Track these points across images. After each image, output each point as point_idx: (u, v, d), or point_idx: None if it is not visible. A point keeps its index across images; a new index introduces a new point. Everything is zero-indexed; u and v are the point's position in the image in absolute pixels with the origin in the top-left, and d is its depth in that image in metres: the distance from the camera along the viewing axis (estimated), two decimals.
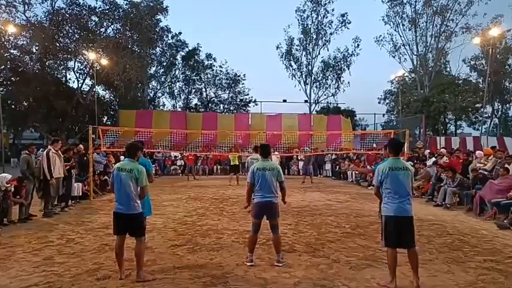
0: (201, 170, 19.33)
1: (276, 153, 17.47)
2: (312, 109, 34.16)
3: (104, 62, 21.27)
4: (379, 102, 38.23)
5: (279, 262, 4.56)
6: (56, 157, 7.91)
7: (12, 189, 7.07)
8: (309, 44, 33.95)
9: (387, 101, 37.77)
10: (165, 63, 33.49)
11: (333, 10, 32.79)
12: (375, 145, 15.10)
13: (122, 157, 12.78)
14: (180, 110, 33.19)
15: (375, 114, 29.38)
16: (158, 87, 35.18)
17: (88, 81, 25.30)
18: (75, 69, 24.66)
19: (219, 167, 20.30)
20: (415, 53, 31.76)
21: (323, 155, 18.91)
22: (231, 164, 14.83)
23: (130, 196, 4.05)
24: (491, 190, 7.86)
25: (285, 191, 4.91)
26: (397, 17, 31.16)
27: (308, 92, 34.63)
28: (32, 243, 5.59)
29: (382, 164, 4.25)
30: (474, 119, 33.32)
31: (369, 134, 17.89)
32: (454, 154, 11.95)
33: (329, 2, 32.77)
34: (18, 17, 20.80)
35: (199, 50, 33.94)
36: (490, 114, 34.58)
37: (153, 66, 32.74)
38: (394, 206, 3.97)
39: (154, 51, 29.59)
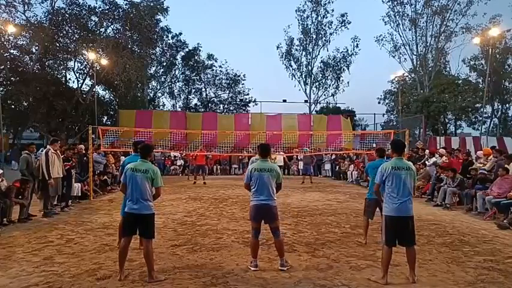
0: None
1: (282, 153, 17.48)
2: (311, 109, 34.18)
3: (104, 62, 21.23)
4: (379, 102, 38.21)
5: (282, 266, 4.42)
6: (55, 157, 7.90)
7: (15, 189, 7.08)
8: (308, 44, 33.93)
9: (387, 101, 37.71)
10: (165, 63, 33.44)
11: (332, 11, 32.81)
12: (374, 145, 15.10)
13: (123, 157, 12.79)
14: (180, 110, 33.17)
15: (374, 114, 29.34)
16: (158, 87, 35.14)
17: (88, 81, 25.25)
18: (75, 69, 24.62)
19: (219, 167, 20.31)
20: (415, 53, 31.75)
21: (321, 155, 18.92)
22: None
23: (146, 197, 4.11)
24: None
25: (279, 191, 4.64)
26: (397, 16, 31.19)
27: (308, 92, 34.67)
28: (31, 243, 5.59)
29: (385, 163, 4.31)
30: (474, 119, 33.29)
31: (368, 134, 17.89)
32: (453, 154, 11.96)
33: (329, 2, 32.75)
34: (18, 17, 20.77)
35: (200, 50, 33.98)
36: (489, 114, 34.56)
37: (153, 66, 32.67)
38: (395, 206, 4.03)
39: (154, 51, 29.50)
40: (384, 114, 36.09)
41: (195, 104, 35.71)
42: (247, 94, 35.50)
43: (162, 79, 34.71)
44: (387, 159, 5.37)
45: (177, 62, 34.06)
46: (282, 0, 49.36)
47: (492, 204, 7.71)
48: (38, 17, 22.00)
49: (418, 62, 31.97)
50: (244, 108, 35.07)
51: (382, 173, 4.17)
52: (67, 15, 22.08)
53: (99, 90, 26.68)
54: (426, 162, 12.22)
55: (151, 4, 26.33)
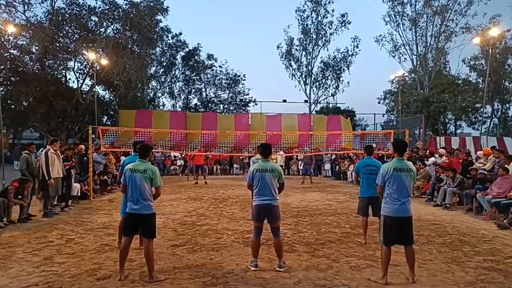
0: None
1: (282, 152, 17.46)
2: (311, 109, 34.19)
3: (104, 62, 21.23)
4: (379, 102, 38.23)
5: (280, 267, 4.42)
6: (55, 157, 7.90)
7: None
8: (308, 44, 33.94)
9: (387, 101, 37.72)
10: (165, 63, 33.45)
11: (333, 11, 32.81)
12: (374, 145, 15.08)
13: (123, 157, 12.79)
14: (180, 110, 33.17)
15: (374, 114, 29.34)
16: (158, 87, 35.14)
17: (88, 81, 25.24)
18: (75, 69, 24.62)
19: (219, 167, 20.31)
20: (415, 53, 31.76)
21: (321, 155, 18.92)
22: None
23: (146, 197, 4.11)
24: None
25: (282, 191, 4.67)
26: (397, 16, 31.20)
27: (308, 92, 34.68)
28: (31, 243, 5.59)
29: (387, 164, 4.29)
30: (474, 119, 33.32)
31: (368, 134, 17.88)
32: (453, 154, 11.96)
33: (329, 2, 32.77)
34: (18, 17, 20.78)
35: (200, 50, 33.98)
36: (489, 114, 34.59)
37: (153, 66, 32.67)
38: (395, 206, 4.04)
39: (154, 51, 29.51)
40: (383, 114, 36.16)
41: (195, 104, 35.74)
42: (247, 94, 35.56)
43: (162, 79, 34.70)
44: (387, 158, 5.37)
45: (177, 62, 34.06)
46: (282, 0, 49.45)
47: (492, 204, 7.71)
48: (38, 17, 22.04)
49: (418, 62, 31.97)
50: (244, 108, 35.07)
51: (383, 175, 4.15)
52: (67, 15, 22.06)
53: (99, 90, 26.70)
54: (426, 162, 12.21)
55: (151, 4, 26.35)
